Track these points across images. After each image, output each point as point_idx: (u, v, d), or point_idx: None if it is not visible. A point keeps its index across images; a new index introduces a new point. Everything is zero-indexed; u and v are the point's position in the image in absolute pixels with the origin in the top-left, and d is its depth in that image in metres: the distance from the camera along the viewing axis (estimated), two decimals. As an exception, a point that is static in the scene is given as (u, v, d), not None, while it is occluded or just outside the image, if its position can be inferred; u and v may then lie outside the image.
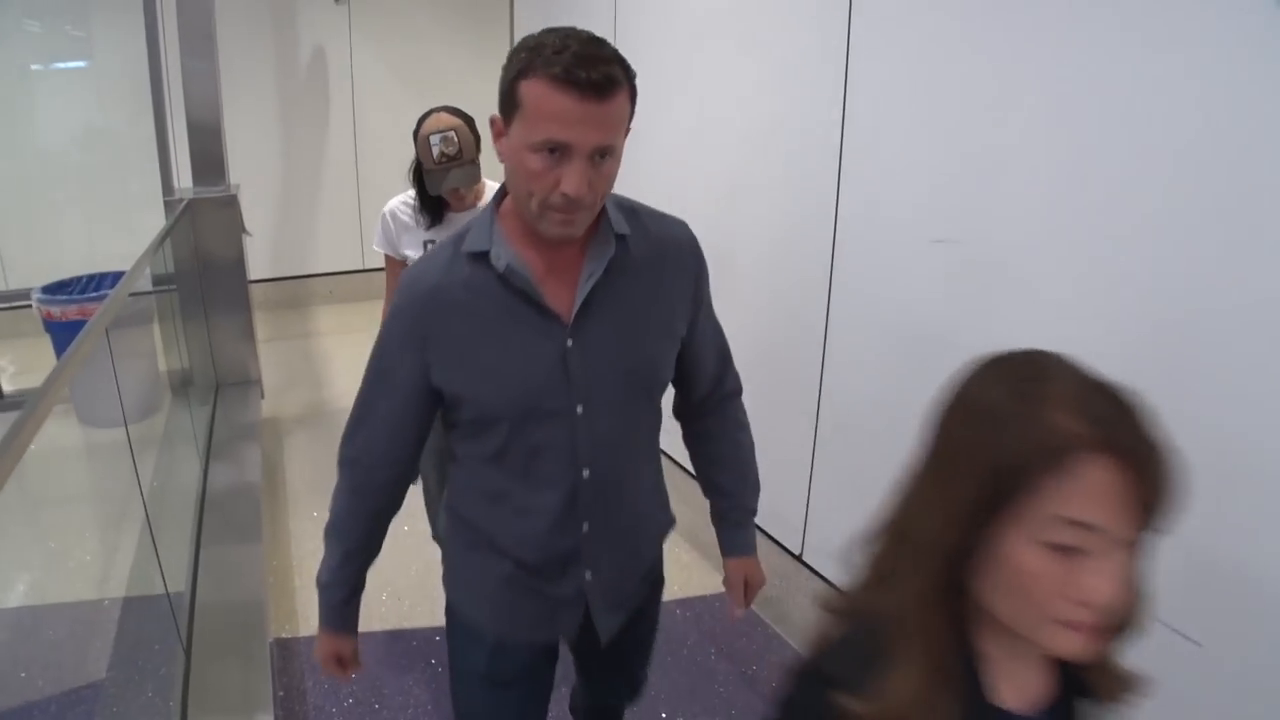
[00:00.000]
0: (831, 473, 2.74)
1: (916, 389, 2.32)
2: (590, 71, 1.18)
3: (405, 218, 2.71)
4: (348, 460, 1.51)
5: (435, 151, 2.51)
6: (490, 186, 2.68)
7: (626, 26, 3.77)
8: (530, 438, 1.40)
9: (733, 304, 3.11)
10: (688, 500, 2.11)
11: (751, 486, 1.77)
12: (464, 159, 2.53)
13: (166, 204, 4.37)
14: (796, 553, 2.90)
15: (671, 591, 2.73)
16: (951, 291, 2.23)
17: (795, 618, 2.95)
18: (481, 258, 1.34)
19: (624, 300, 1.40)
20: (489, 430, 1.41)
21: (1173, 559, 1.77)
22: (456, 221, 2.64)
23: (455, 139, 2.51)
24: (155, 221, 4.52)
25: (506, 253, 1.33)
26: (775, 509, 2.96)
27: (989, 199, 2.11)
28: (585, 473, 1.44)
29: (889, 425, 2.48)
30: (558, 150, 1.21)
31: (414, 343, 1.37)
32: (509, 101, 1.24)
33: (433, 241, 2.62)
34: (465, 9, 6.52)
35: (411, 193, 2.71)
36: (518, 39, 4.72)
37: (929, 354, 2.31)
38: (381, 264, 2.85)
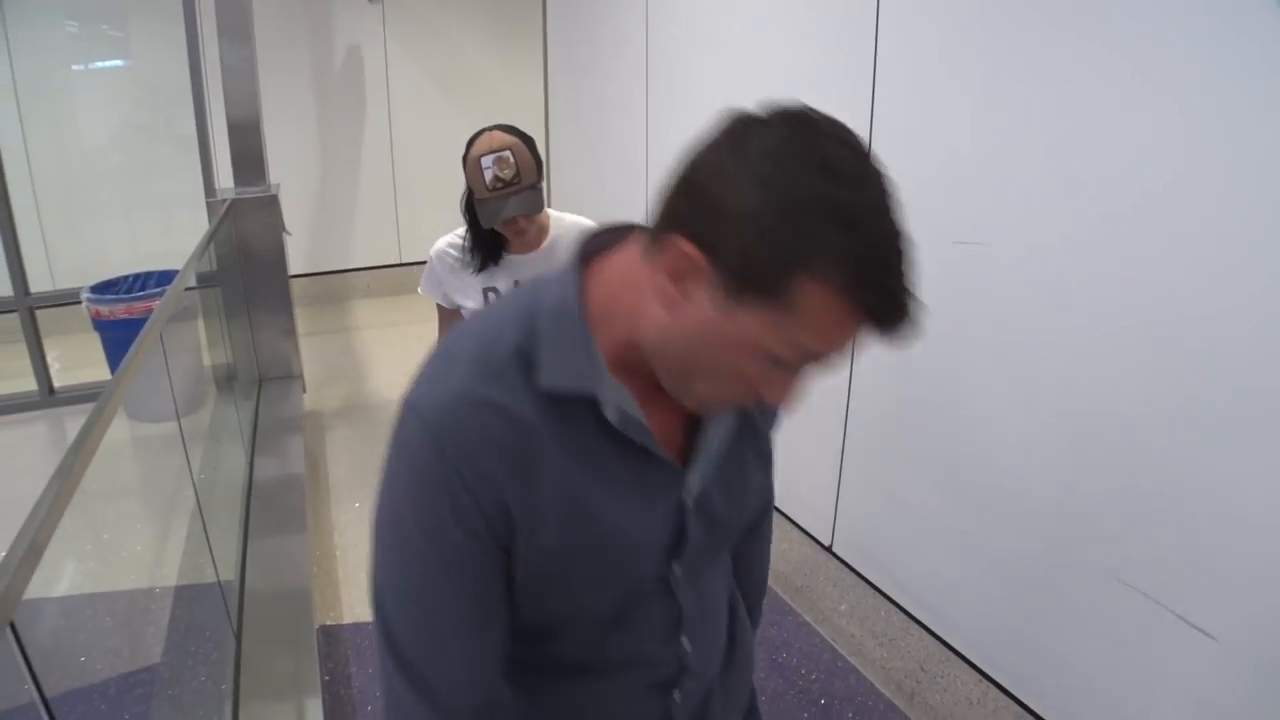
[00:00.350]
0: (860, 467, 2.80)
1: (941, 387, 2.40)
2: (910, 315, 0.79)
3: (453, 260, 2.34)
4: (429, 715, 0.92)
5: (488, 176, 2.12)
6: (556, 219, 2.35)
7: (657, 24, 3.83)
8: (619, 609, 1.01)
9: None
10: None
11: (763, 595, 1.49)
12: (523, 184, 2.13)
13: (209, 205, 4.49)
14: (826, 544, 2.97)
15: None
16: (974, 293, 2.28)
17: (824, 607, 3.02)
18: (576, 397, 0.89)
19: (732, 423, 1.03)
20: (572, 614, 1.00)
21: (1187, 553, 1.83)
22: (517, 266, 2.30)
23: (512, 160, 2.12)
24: (196, 220, 4.64)
25: (616, 393, 0.89)
26: (806, 502, 3.03)
27: (1011, 202, 2.16)
28: (686, 643, 1.06)
29: (915, 422, 2.54)
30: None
31: (489, 502, 0.87)
32: (764, 279, 0.77)
33: (494, 290, 2.31)
34: (498, 8, 6.60)
35: (463, 229, 2.35)
36: (551, 37, 4.72)
37: (952, 354, 2.37)
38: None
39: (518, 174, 2.12)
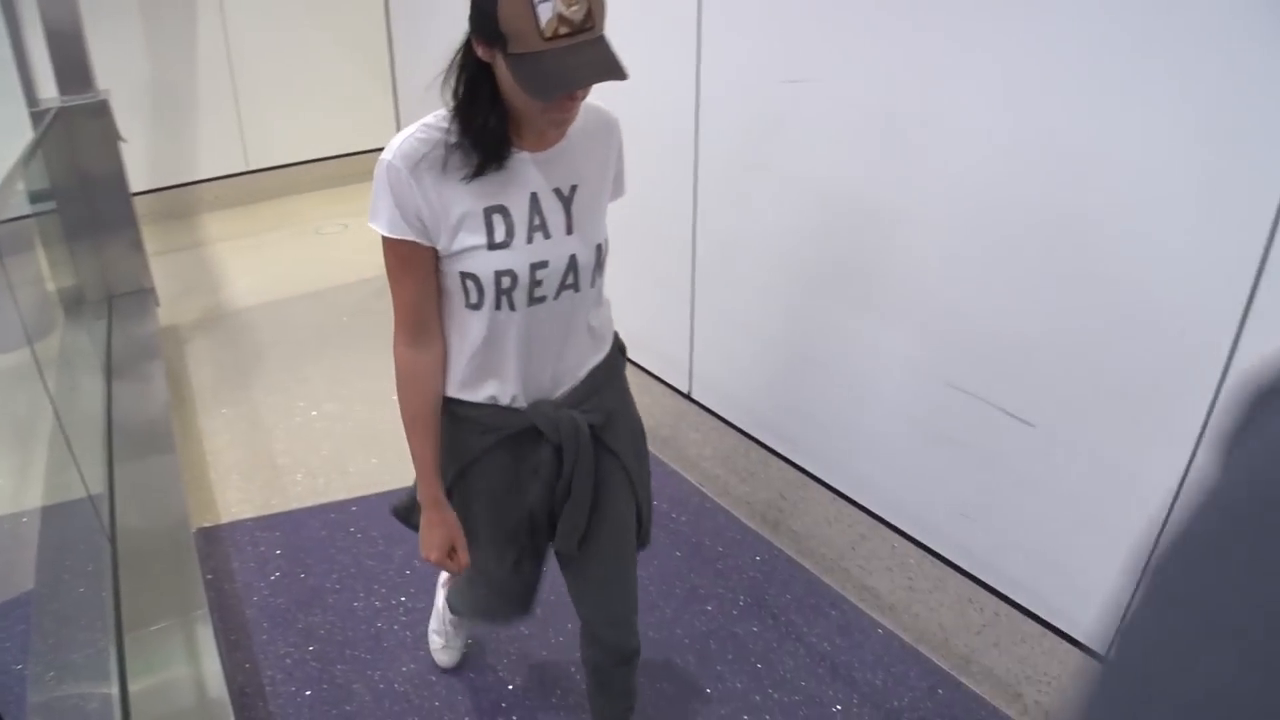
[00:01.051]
0: (711, 311, 2.89)
1: (784, 226, 2.49)
2: None
3: (435, 161, 1.47)
4: None
5: (546, 15, 1.30)
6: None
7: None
8: None
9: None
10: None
11: None
12: (596, 29, 1.36)
13: (33, 115, 4.25)
14: (685, 391, 3.07)
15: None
16: (814, 131, 2.36)
17: (690, 454, 3.14)
18: None
19: None
20: None
21: (1004, 346, 1.98)
22: (532, 170, 1.53)
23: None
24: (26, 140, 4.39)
25: None
26: (662, 351, 3.11)
27: (844, 44, 2.24)
28: None
29: (761, 262, 2.63)
30: None
31: None
32: None
33: (501, 211, 1.51)
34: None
35: (433, 119, 1.50)
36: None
37: (794, 192, 2.45)
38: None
39: (589, 14, 1.34)
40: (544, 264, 1.53)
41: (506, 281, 1.51)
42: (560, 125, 1.48)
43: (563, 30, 1.31)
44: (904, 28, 2.03)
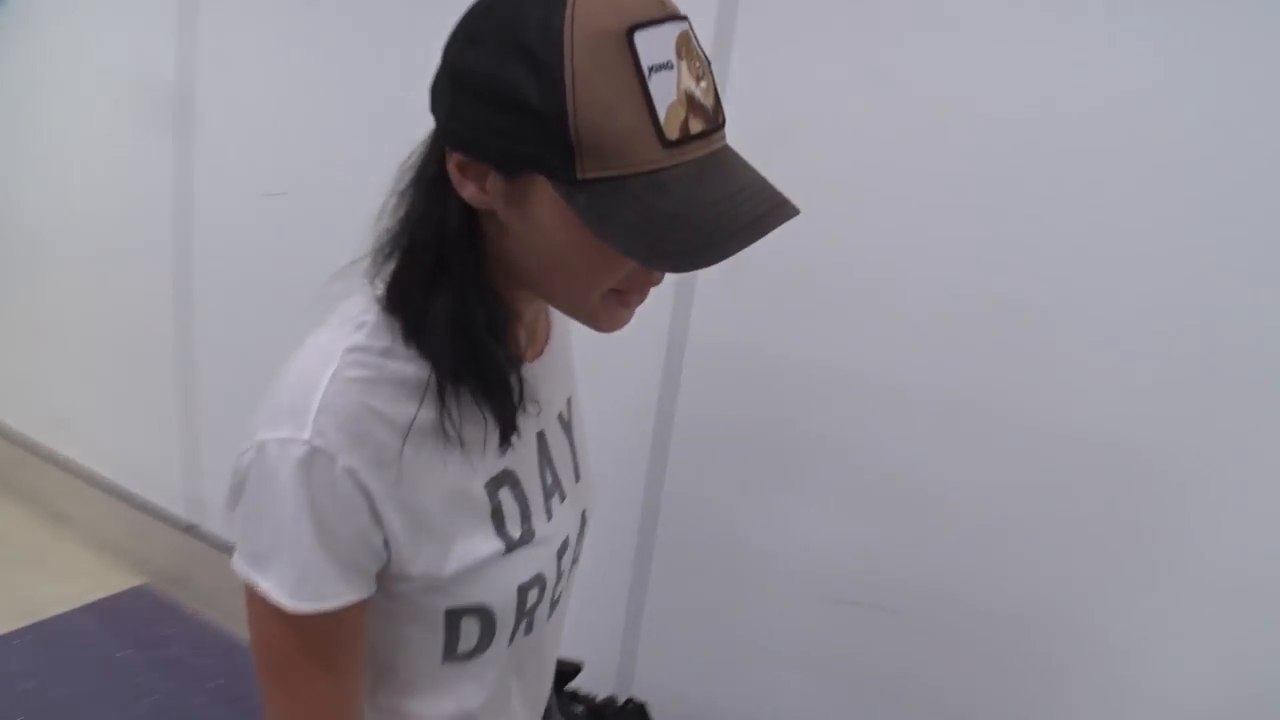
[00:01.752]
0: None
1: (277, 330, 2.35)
2: None
3: (400, 420, 0.72)
4: None
5: (668, 99, 0.63)
6: None
7: None
8: None
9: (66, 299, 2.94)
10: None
11: None
12: (724, 125, 0.70)
13: None
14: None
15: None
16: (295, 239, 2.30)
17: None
18: None
19: None
20: None
21: (867, 545, 1.90)
22: (529, 392, 0.82)
23: (704, 62, 0.68)
24: None
25: None
26: (157, 479, 2.79)
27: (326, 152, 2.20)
28: None
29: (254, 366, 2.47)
30: None
31: None
32: None
33: (511, 483, 0.84)
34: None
35: (362, 329, 0.73)
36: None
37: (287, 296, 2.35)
38: None
39: (716, 103, 0.69)
40: (565, 545, 0.91)
41: (534, 596, 0.85)
42: (627, 310, 0.78)
43: (695, 127, 0.65)
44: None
